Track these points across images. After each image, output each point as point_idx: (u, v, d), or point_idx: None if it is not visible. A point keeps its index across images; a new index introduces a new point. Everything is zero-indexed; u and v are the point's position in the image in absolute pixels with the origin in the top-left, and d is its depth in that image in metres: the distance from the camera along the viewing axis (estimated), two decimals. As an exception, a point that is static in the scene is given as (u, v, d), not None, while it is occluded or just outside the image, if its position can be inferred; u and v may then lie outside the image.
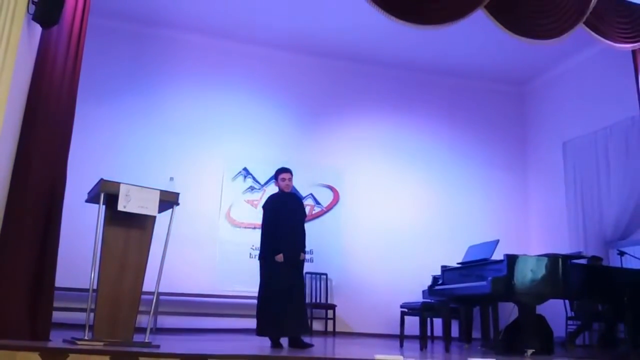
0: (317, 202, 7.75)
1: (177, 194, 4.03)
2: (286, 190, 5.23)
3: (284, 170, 5.27)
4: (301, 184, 7.39)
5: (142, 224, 3.91)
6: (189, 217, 6.48)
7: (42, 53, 4.04)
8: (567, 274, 4.98)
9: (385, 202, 8.05)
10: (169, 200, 3.96)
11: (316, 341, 5.09)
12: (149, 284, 3.91)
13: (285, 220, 5.05)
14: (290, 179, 5.24)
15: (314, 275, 7.41)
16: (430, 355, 5.01)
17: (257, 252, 7.47)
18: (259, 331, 4.93)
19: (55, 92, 4.08)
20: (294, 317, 4.80)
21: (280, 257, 4.90)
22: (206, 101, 7.74)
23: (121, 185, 3.77)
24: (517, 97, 9.05)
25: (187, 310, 6.89)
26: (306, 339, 4.89)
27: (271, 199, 5.37)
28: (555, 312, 6.23)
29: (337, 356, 4.61)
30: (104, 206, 3.79)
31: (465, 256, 5.96)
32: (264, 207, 5.32)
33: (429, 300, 5.95)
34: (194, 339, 5.46)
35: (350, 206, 7.94)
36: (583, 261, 5.86)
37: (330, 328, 7.13)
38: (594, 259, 6.34)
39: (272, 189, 7.66)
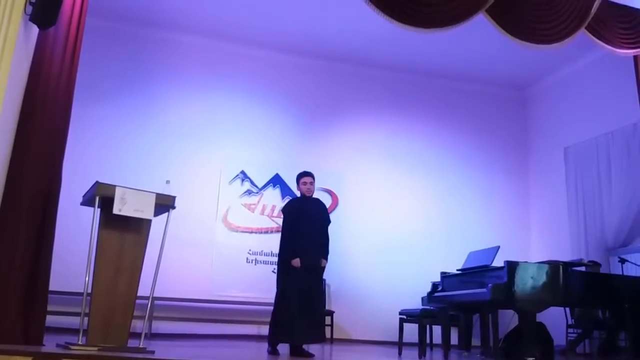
0: (316, 207, 7.69)
1: (174, 197, 3.99)
2: (308, 194, 5.14)
3: (305, 174, 5.18)
4: (300, 188, 7.36)
5: (137, 227, 3.86)
6: (185, 220, 6.41)
7: (39, 54, 4.02)
8: (568, 282, 4.93)
9: (384, 207, 8.00)
10: (165, 204, 3.92)
11: (314, 348, 5.04)
12: (144, 289, 3.86)
13: (305, 225, 4.96)
14: (312, 183, 5.14)
15: (312, 281, 7.34)
16: (429, 362, 4.96)
17: (254, 257, 7.59)
18: (271, 337, 4.83)
19: (51, 93, 4.06)
20: (308, 326, 4.69)
21: (296, 262, 4.80)
22: (203, 103, 7.70)
23: (117, 188, 3.73)
24: (519, 101, 9.02)
25: (182, 316, 6.83)
26: (304, 347, 4.82)
27: (291, 203, 5.33)
28: (555, 320, 6.17)
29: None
30: (99, 209, 3.75)
31: (465, 263, 5.91)
32: (283, 210, 5.27)
33: (428, 307, 5.90)
34: (189, 345, 5.41)
35: (349, 211, 7.88)
36: (583, 268, 5.82)
37: (328, 335, 7.05)
38: (593, 264, 6.30)
39: (270, 193, 7.69)
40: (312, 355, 4.62)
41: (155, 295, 3.99)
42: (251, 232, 7.51)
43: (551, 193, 8.14)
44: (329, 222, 5.21)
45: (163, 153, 7.28)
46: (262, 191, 7.71)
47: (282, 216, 5.37)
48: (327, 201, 7.80)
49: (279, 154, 7.75)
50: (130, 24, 7.46)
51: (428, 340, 6.21)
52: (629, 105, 6.54)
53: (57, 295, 5.51)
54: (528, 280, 4.82)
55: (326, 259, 5.02)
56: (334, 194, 7.92)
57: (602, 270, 6.60)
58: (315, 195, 5.24)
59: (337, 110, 8.24)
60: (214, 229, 7.39)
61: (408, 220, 8.03)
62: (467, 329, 6.18)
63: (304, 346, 4.80)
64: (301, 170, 5.26)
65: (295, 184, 5.28)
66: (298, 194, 5.39)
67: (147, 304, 3.98)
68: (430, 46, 7.52)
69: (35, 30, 3.96)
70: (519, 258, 5.26)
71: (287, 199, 7.43)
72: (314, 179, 5.16)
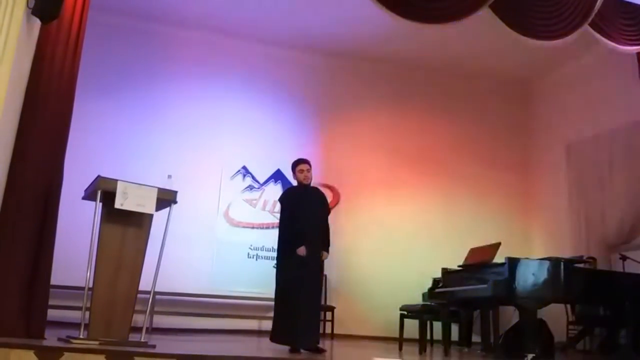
0: (317, 202, 7.69)
1: (175, 192, 3.99)
2: (305, 182, 4.85)
3: (301, 161, 4.91)
4: (301, 184, 7.37)
5: (139, 222, 3.87)
6: (187, 215, 6.40)
7: (41, 48, 4.02)
8: (569, 278, 4.93)
9: (386, 203, 8.00)
10: (166, 199, 3.93)
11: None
12: (145, 283, 3.87)
13: (304, 215, 4.68)
14: (309, 170, 4.85)
15: (313, 276, 7.34)
16: (429, 359, 4.96)
17: (255, 252, 7.59)
18: (272, 337, 4.63)
19: (53, 87, 4.06)
20: (306, 328, 4.45)
21: (302, 250, 4.51)
22: (205, 98, 7.68)
23: (118, 183, 3.74)
24: (521, 97, 8.98)
25: (183, 310, 6.83)
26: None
27: (290, 191, 5.05)
28: (556, 316, 6.18)
29: (335, 359, 4.57)
30: (100, 203, 3.76)
31: (467, 259, 5.92)
32: (280, 199, 5.00)
33: (429, 303, 5.91)
34: (190, 340, 5.42)
35: (350, 206, 7.88)
36: (584, 265, 5.83)
37: (328, 330, 7.07)
38: (589, 259, 6.31)
39: (272, 188, 7.69)
40: (323, 351, 4.51)
41: (156, 289, 4.00)
42: (252, 228, 7.52)
43: (553, 190, 8.12)
44: (328, 211, 5.00)
45: (165, 148, 7.27)
46: (263, 187, 7.71)
47: (283, 210, 5.22)
48: (328, 197, 7.79)
49: (281, 149, 7.73)
50: (133, 19, 7.43)
51: (428, 336, 6.20)
52: (631, 102, 6.53)
53: (59, 289, 5.51)
54: (529, 276, 4.82)
55: (327, 251, 4.80)
56: (336, 189, 7.91)
57: (604, 267, 6.60)
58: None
59: (339, 105, 8.23)
60: (216, 224, 7.40)
61: (409, 216, 8.02)
62: (467, 325, 6.20)
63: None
64: (296, 159, 5.03)
65: (292, 174, 5.02)
66: (294, 183, 5.19)
67: (149, 299, 4.00)
68: (433, 41, 7.48)
69: (37, 23, 3.95)
70: (520, 254, 5.28)
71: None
72: (310, 166, 4.91)
